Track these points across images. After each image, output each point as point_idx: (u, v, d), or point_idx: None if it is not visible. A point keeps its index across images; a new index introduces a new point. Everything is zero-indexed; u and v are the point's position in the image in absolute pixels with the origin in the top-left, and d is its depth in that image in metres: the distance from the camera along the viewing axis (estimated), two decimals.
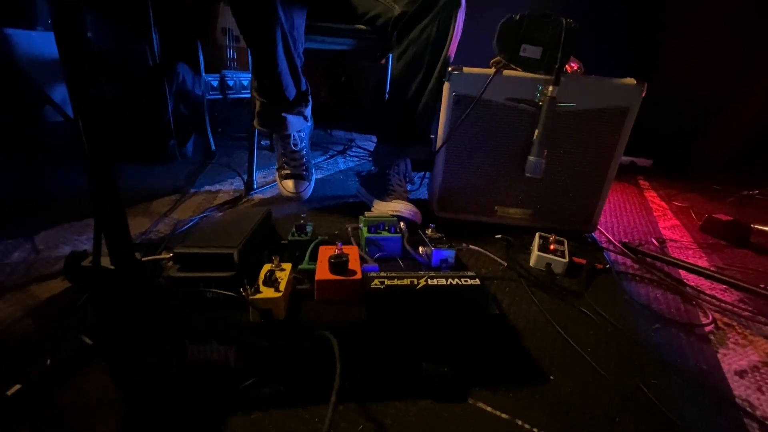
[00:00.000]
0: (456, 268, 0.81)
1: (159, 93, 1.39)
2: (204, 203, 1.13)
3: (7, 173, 1.24)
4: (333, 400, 0.42)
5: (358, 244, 0.86)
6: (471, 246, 0.87)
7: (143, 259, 0.71)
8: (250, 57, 1.13)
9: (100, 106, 0.46)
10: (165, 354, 0.50)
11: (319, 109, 1.25)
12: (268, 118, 1.08)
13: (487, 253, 0.87)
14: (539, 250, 0.87)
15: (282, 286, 0.62)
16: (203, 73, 1.55)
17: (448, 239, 0.85)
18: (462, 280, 0.66)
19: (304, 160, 1.18)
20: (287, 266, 0.68)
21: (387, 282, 0.65)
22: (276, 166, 1.21)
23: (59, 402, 0.47)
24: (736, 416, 0.54)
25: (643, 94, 0.92)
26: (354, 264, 0.71)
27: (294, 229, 0.83)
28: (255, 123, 1.11)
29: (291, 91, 1.04)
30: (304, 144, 1.18)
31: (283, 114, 1.06)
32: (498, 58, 0.95)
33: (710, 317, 0.75)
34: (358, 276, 0.69)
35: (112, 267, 0.52)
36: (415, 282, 0.65)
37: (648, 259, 0.96)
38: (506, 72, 0.94)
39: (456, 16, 0.93)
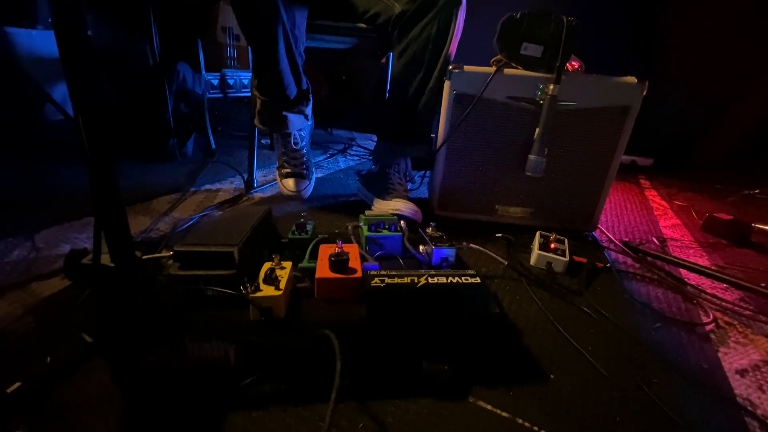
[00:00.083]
0: (456, 267, 0.81)
1: (159, 92, 1.39)
2: (204, 202, 1.13)
3: (7, 172, 1.24)
4: (333, 398, 0.42)
5: (359, 243, 0.86)
6: (471, 245, 0.86)
7: (143, 257, 0.71)
8: (250, 55, 1.13)
9: (100, 104, 0.46)
10: (165, 352, 0.50)
11: (319, 107, 1.24)
12: (268, 117, 1.08)
13: (488, 251, 0.87)
14: (540, 248, 0.87)
15: (282, 285, 0.62)
16: (203, 72, 1.55)
17: (448, 238, 0.85)
18: (462, 278, 0.66)
19: (305, 159, 1.18)
20: (287, 264, 0.68)
21: (387, 280, 0.65)
22: (276, 165, 1.21)
23: (59, 400, 0.48)
24: (737, 415, 0.53)
25: (644, 93, 0.92)
26: (354, 262, 0.71)
27: (294, 228, 0.83)
28: (255, 122, 1.11)
29: (292, 90, 1.04)
30: (304, 143, 1.17)
31: (284, 113, 1.06)
32: (499, 56, 0.95)
33: (711, 316, 0.75)
34: (359, 274, 0.68)
35: (113, 265, 0.52)
36: (416, 280, 0.65)
37: (649, 258, 0.95)
38: (507, 70, 0.94)
39: (456, 15, 0.93)
